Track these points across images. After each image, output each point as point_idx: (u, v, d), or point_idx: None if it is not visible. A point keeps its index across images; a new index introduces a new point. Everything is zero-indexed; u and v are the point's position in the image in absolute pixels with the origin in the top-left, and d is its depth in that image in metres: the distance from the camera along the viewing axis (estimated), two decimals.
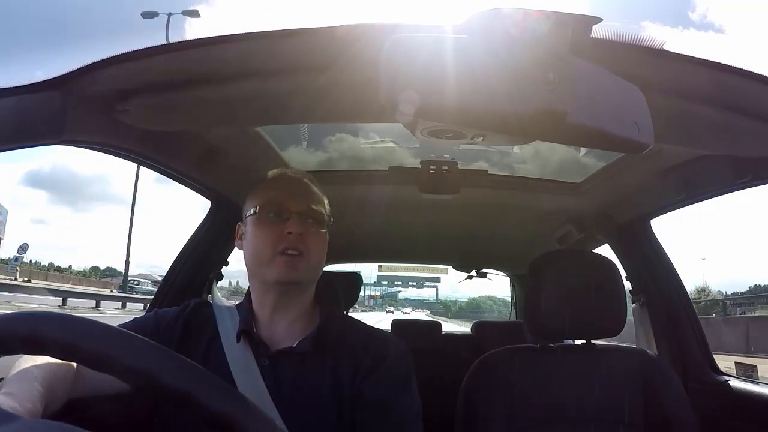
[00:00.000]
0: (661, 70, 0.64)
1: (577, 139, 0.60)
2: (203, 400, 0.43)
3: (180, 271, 1.26)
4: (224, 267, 1.37)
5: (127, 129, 0.77)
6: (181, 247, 1.30)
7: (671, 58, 0.61)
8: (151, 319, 0.75)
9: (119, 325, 0.64)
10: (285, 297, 0.72)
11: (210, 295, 1.30)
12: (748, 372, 1.41)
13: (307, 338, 0.71)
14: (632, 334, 1.46)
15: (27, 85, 0.59)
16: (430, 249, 2.34)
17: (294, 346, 0.71)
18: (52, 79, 0.60)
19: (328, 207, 0.78)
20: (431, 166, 1.30)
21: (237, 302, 0.80)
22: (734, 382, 1.19)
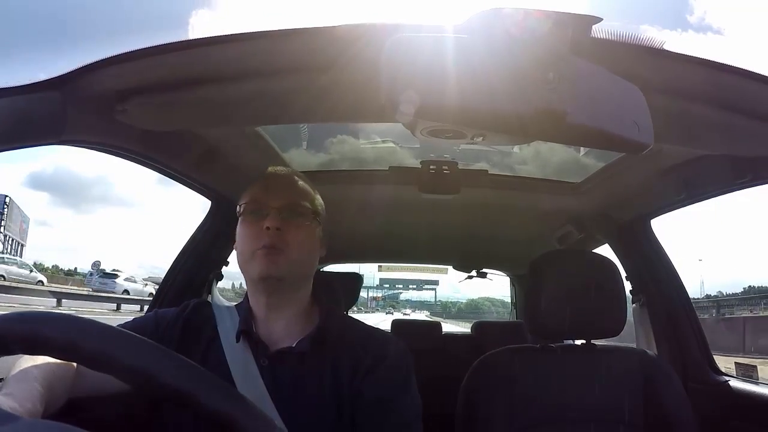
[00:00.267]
0: (661, 70, 0.64)
1: (577, 139, 0.60)
2: (203, 400, 0.43)
3: (180, 271, 1.26)
4: (224, 267, 1.37)
5: (127, 129, 0.77)
6: (181, 248, 1.30)
7: (671, 58, 0.61)
8: (151, 319, 0.75)
9: (119, 325, 0.64)
10: (275, 295, 0.72)
11: (210, 295, 1.30)
12: (747, 372, 1.41)
13: (306, 338, 0.71)
14: (632, 334, 1.46)
15: (27, 85, 0.59)
16: (430, 249, 2.35)
17: (293, 346, 0.71)
18: (52, 79, 0.60)
19: (319, 202, 0.78)
20: (431, 166, 1.30)
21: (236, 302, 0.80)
22: (734, 382, 1.19)
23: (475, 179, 1.33)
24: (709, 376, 1.25)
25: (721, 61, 0.62)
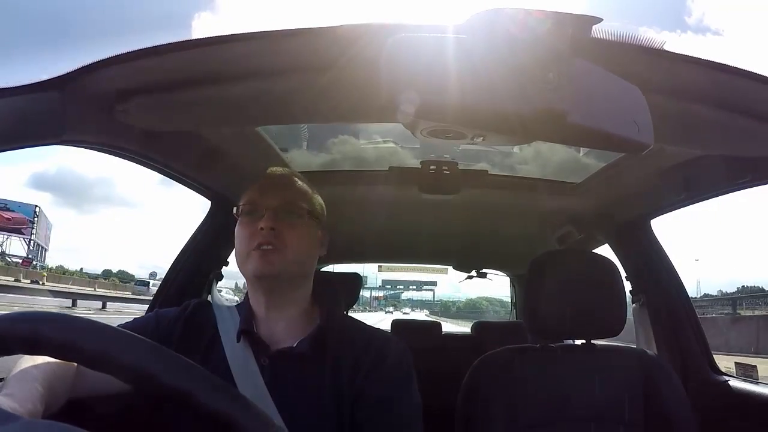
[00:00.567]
0: (661, 70, 0.64)
1: (577, 139, 0.60)
2: (202, 400, 0.43)
3: (180, 271, 1.26)
4: (224, 267, 1.37)
5: (127, 129, 0.77)
6: (181, 248, 1.30)
7: (671, 58, 0.61)
8: (152, 319, 0.75)
9: (119, 325, 0.64)
10: (273, 294, 0.73)
11: (210, 295, 1.30)
12: (747, 372, 1.41)
13: (306, 338, 0.71)
14: (632, 334, 1.46)
15: (27, 85, 0.59)
16: (431, 249, 2.35)
17: (294, 346, 0.71)
18: (52, 79, 0.60)
19: (317, 202, 0.78)
20: (431, 167, 1.30)
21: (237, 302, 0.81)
22: (734, 382, 1.19)
23: (475, 179, 1.33)
24: (709, 376, 1.25)
25: (720, 61, 0.62)
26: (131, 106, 0.71)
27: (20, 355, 0.54)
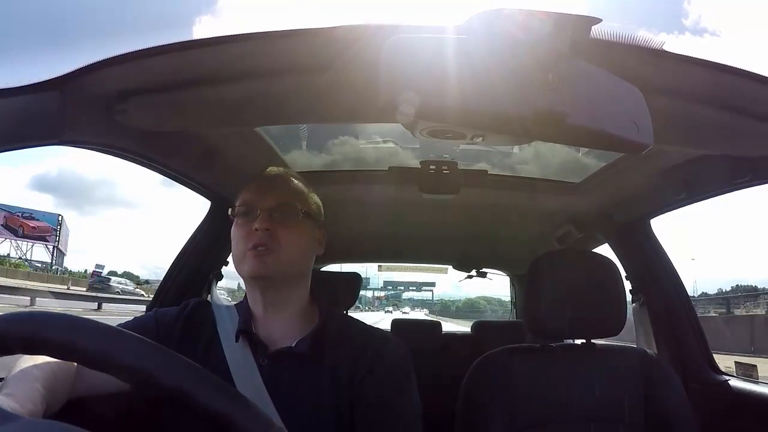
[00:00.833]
0: (660, 71, 0.64)
1: (577, 140, 0.60)
2: (202, 399, 0.43)
3: (180, 271, 1.26)
4: (224, 267, 1.37)
5: (126, 129, 0.77)
6: (181, 248, 1.30)
7: (671, 59, 0.61)
8: (151, 319, 0.75)
9: (119, 325, 0.64)
10: (269, 294, 0.73)
11: (209, 295, 1.30)
12: (747, 371, 1.41)
13: (305, 338, 0.71)
14: (632, 334, 1.46)
15: (27, 85, 0.59)
16: (430, 249, 2.35)
17: (292, 346, 0.71)
18: (52, 79, 0.60)
19: (313, 201, 0.78)
20: (431, 166, 1.30)
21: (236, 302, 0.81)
22: (734, 382, 1.19)
23: (474, 179, 1.33)
24: (709, 376, 1.25)
25: (720, 62, 0.62)
26: (131, 106, 0.71)
27: (20, 355, 0.54)
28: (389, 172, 1.35)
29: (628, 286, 1.41)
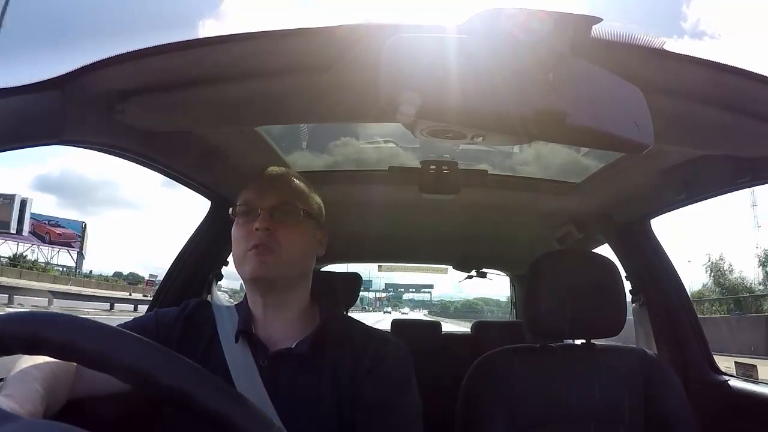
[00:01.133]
0: (661, 71, 0.64)
1: (577, 140, 0.60)
2: (201, 400, 0.43)
3: (180, 271, 1.26)
4: (224, 267, 1.37)
5: (126, 129, 0.77)
6: (181, 248, 1.30)
7: (671, 58, 0.61)
8: (151, 319, 0.75)
9: (119, 325, 0.64)
10: (270, 295, 0.72)
11: (209, 295, 1.30)
12: (747, 372, 1.41)
13: (305, 339, 0.71)
14: (632, 334, 1.46)
15: (27, 85, 0.59)
16: (430, 249, 2.34)
17: (293, 346, 0.71)
18: (52, 79, 0.60)
19: (314, 201, 0.77)
20: (431, 166, 1.29)
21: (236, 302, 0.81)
22: (734, 382, 1.19)
23: (475, 179, 1.33)
24: (709, 376, 1.24)
25: (720, 62, 0.62)
26: (131, 106, 0.71)
27: (20, 356, 0.54)
28: (389, 172, 1.35)
29: (628, 286, 1.40)
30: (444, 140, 0.65)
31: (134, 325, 0.74)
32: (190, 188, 1.16)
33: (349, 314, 0.95)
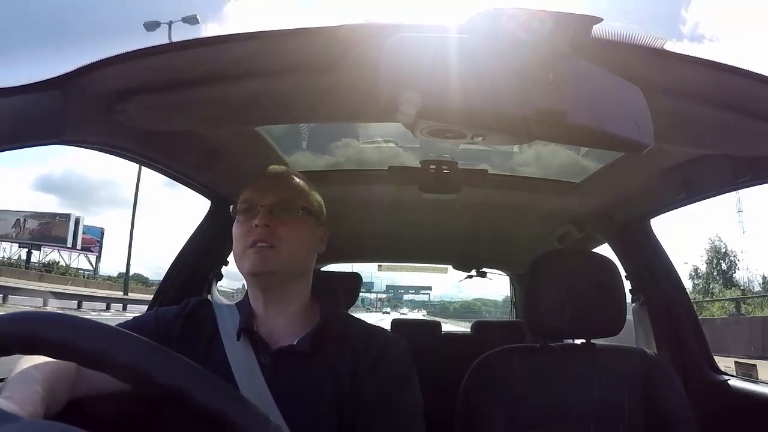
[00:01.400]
0: (661, 70, 0.64)
1: (577, 139, 0.60)
2: (199, 398, 0.43)
3: (180, 271, 1.26)
4: (224, 267, 1.37)
5: (127, 129, 0.77)
6: (181, 247, 1.30)
7: (671, 58, 0.61)
8: (151, 318, 0.75)
9: (119, 325, 0.64)
10: (270, 291, 0.73)
11: (210, 294, 1.30)
12: (747, 371, 1.42)
13: (306, 336, 0.71)
14: (632, 334, 1.46)
15: (27, 85, 0.59)
16: (430, 249, 2.34)
17: (294, 344, 0.71)
18: (52, 79, 0.60)
19: (314, 199, 0.78)
20: (431, 166, 1.30)
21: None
22: (734, 382, 1.19)
23: (475, 179, 1.33)
24: (709, 376, 1.25)
25: (720, 62, 0.62)
26: (131, 106, 0.71)
27: (20, 356, 0.54)
28: (389, 171, 1.35)
29: (628, 286, 1.40)
30: (444, 140, 0.65)
31: (134, 324, 0.74)
32: (190, 188, 1.16)
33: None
